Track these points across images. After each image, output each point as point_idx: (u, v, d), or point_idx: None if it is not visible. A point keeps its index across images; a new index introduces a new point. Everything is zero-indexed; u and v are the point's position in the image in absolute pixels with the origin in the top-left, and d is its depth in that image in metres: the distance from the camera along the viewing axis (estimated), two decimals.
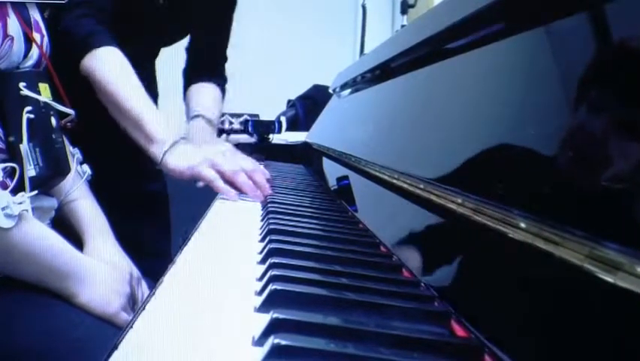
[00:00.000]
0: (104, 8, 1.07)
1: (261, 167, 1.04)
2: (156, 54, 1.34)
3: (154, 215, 1.35)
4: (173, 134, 1.02)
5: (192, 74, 1.38)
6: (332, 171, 1.14)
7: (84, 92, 0.96)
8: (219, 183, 0.96)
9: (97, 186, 0.98)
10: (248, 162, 1.00)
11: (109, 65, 1.03)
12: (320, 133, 1.54)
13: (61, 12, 1.01)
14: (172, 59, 1.41)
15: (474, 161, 0.51)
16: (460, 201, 0.49)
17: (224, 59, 1.42)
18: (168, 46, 1.37)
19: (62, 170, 0.86)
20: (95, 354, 0.66)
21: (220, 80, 1.39)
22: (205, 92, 1.34)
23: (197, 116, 1.26)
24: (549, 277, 0.36)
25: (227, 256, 0.63)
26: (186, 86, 1.38)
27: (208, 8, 1.31)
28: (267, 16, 3.15)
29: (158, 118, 1.02)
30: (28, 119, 0.78)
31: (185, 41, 1.39)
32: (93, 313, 0.77)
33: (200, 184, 0.99)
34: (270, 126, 1.82)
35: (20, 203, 0.70)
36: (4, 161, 0.75)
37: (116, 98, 1.01)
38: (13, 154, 0.77)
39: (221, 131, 2.12)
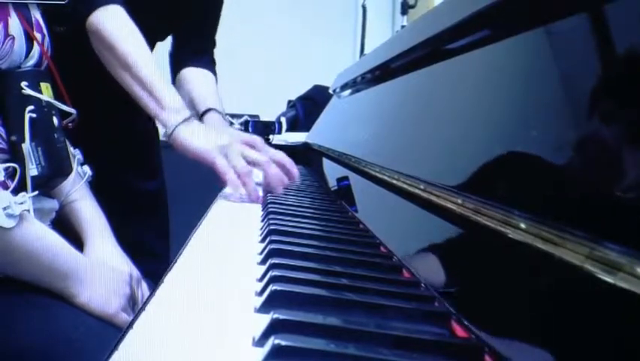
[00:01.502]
0: None
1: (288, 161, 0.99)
2: (152, 48, 1.34)
3: (153, 215, 1.35)
4: (185, 106, 0.98)
5: (181, 58, 1.34)
6: (332, 171, 1.15)
7: (85, 92, 0.96)
8: (231, 176, 0.91)
9: (96, 187, 0.98)
10: (277, 152, 0.97)
11: (120, 24, 0.98)
12: (320, 134, 1.54)
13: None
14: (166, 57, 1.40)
15: (474, 161, 0.52)
16: (460, 201, 0.49)
17: (213, 43, 1.39)
18: (163, 40, 1.36)
19: (64, 170, 0.86)
20: (94, 355, 0.66)
21: (211, 65, 1.37)
22: (205, 81, 1.30)
23: (209, 110, 1.22)
24: (549, 278, 0.36)
25: (227, 257, 0.63)
26: (174, 69, 1.34)
27: None
28: (267, 17, 3.15)
29: (170, 86, 0.99)
30: (31, 119, 0.78)
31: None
32: (93, 313, 0.77)
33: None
34: (270, 127, 1.82)
35: (21, 203, 0.71)
36: (5, 161, 0.75)
37: (127, 59, 0.97)
38: (15, 154, 0.77)
39: None
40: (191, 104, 1.26)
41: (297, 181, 0.95)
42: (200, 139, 0.93)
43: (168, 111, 0.95)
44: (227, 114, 2.19)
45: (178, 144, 0.95)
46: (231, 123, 2.16)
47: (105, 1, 0.99)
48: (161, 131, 1.03)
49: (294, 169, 0.97)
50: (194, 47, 1.35)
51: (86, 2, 0.98)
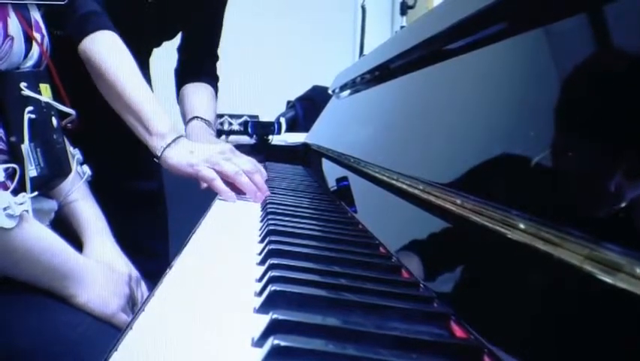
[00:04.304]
0: None
1: (261, 167, 1.04)
2: (148, 54, 1.34)
3: (152, 215, 1.35)
4: (173, 129, 1.01)
5: (184, 74, 1.37)
6: (331, 172, 1.15)
7: (84, 93, 0.96)
8: (218, 184, 0.95)
9: (96, 187, 0.98)
10: (247, 163, 0.99)
11: (110, 51, 1.00)
12: (319, 134, 1.54)
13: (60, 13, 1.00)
14: (167, 61, 1.41)
15: (473, 162, 0.52)
16: (459, 202, 0.49)
17: (216, 57, 1.41)
18: (158, 46, 1.37)
19: (63, 170, 0.86)
20: (94, 355, 0.66)
21: (212, 79, 1.39)
22: (199, 93, 1.33)
23: (194, 118, 1.26)
24: (548, 278, 0.36)
25: (226, 257, 0.63)
26: (179, 86, 1.38)
27: (198, 7, 1.31)
28: (267, 17, 3.15)
29: (158, 110, 1.01)
30: (30, 120, 0.78)
31: (177, 41, 1.40)
32: (92, 314, 0.77)
33: (204, 185, 0.99)
34: (270, 127, 1.82)
35: (21, 204, 0.70)
36: (5, 162, 0.75)
37: (116, 86, 0.99)
38: (15, 154, 0.77)
39: (220, 132, 2.13)
40: (183, 116, 1.31)
41: (267, 193, 0.97)
42: (183, 157, 0.97)
43: (155, 137, 0.99)
44: (226, 115, 2.19)
45: (166, 166, 1.00)
46: (230, 124, 2.16)
47: (95, 27, 1.00)
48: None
49: (262, 182, 0.99)
50: (198, 62, 1.38)
51: (76, 29, 0.99)
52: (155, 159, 1.00)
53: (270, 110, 2.44)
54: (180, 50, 1.40)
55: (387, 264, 0.58)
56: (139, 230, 1.21)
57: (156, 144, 0.99)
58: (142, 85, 1.01)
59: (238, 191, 0.97)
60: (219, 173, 0.96)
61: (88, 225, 0.91)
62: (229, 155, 0.99)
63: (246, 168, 0.98)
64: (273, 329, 0.38)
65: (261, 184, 0.97)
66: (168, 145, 0.98)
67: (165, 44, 1.39)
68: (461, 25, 0.62)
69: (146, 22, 1.22)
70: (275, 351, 0.35)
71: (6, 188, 0.72)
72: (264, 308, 0.43)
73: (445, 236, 0.53)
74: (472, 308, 0.42)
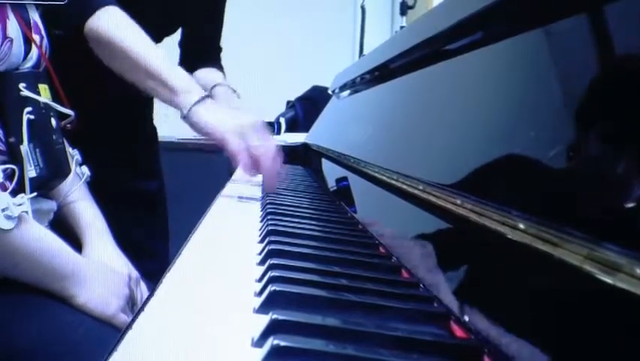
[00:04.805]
0: None
1: (280, 153, 1.00)
2: None
3: (152, 216, 1.35)
4: (198, 86, 0.98)
5: (188, 67, 1.37)
6: (331, 172, 1.14)
7: (83, 93, 0.95)
8: (245, 157, 0.91)
9: (95, 187, 0.98)
10: (273, 146, 0.96)
11: (117, 23, 0.98)
12: (319, 134, 1.54)
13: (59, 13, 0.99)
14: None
15: (473, 162, 0.52)
16: (459, 202, 0.49)
17: (219, 49, 1.40)
18: (159, 42, 1.37)
19: (62, 171, 0.86)
20: (93, 356, 0.66)
21: (219, 68, 1.38)
22: (212, 72, 1.31)
23: (216, 85, 1.22)
24: (548, 279, 0.36)
25: (226, 257, 0.63)
26: None
27: (198, 1, 1.30)
28: (267, 17, 3.15)
29: (179, 69, 0.98)
30: (29, 120, 0.78)
31: (177, 37, 1.39)
32: (92, 314, 0.77)
33: (226, 153, 0.95)
34: (270, 127, 1.81)
35: (20, 205, 0.70)
36: (4, 162, 0.75)
37: (131, 55, 0.96)
38: (14, 155, 0.77)
39: None
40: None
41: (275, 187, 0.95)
42: (214, 116, 0.94)
43: (181, 94, 0.95)
44: None
45: (193, 123, 0.95)
46: None
47: (98, 5, 0.98)
48: (176, 114, 1.02)
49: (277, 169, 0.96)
50: (201, 55, 1.36)
51: (79, 12, 0.98)
52: (182, 118, 0.96)
53: (270, 111, 2.44)
54: (182, 44, 1.39)
55: (387, 264, 0.58)
56: (139, 230, 1.21)
57: (183, 100, 0.95)
58: (155, 48, 0.99)
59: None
60: (246, 146, 0.92)
61: (87, 225, 0.91)
62: (260, 131, 0.95)
63: (272, 150, 0.95)
64: (272, 329, 0.38)
65: (277, 171, 0.95)
66: (197, 102, 0.94)
67: (166, 40, 1.39)
68: (461, 25, 0.62)
69: (145, 18, 1.22)
70: (275, 351, 0.35)
71: (5, 189, 0.72)
72: (263, 308, 0.43)
73: (445, 236, 0.53)
74: (472, 308, 0.42)
